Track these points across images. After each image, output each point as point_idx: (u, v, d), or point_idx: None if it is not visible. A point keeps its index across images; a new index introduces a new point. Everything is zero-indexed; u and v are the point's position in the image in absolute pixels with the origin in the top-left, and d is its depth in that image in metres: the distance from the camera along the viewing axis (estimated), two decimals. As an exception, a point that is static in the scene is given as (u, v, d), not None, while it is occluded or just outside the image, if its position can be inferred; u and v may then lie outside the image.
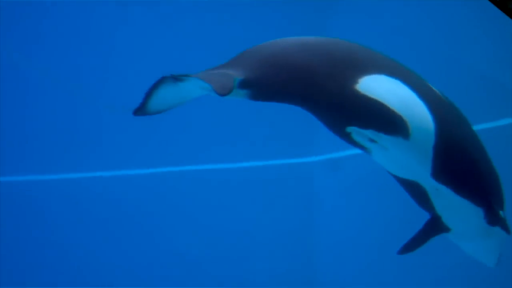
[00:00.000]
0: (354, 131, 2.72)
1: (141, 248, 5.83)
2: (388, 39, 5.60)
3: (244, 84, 2.63)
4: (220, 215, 6.16)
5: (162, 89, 2.70)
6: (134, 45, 5.72)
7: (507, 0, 1.58)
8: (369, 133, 2.70)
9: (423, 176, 2.88)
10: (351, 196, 6.48)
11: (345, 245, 6.37)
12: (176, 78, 2.61)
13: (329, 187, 6.62)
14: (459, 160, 2.96)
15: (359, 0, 5.99)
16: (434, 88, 2.91)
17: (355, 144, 2.81)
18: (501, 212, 3.15)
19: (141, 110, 2.80)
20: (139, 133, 5.74)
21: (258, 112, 6.12)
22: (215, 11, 5.81)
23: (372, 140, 2.73)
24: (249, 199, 6.35)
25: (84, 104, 5.58)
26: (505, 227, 3.16)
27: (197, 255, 6.01)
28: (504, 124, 5.90)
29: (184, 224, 6.03)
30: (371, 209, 6.30)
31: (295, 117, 6.35)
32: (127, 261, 5.78)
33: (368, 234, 6.28)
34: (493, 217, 3.12)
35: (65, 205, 5.70)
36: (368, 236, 6.29)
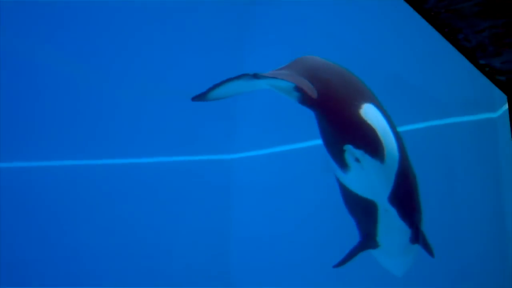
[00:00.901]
0: (348, 149, 3.02)
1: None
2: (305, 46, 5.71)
3: (298, 89, 2.96)
4: (136, 210, 6.07)
5: (236, 83, 2.93)
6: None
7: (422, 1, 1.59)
8: (359, 153, 3.03)
9: (381, 197, 3.24)
10: (268, 194, 6.54)
11: (261, 242, 6.42)
12: (257, 77, 2.88)
13: (247, 185, 6.65)
14: (407, 186, 3.37)
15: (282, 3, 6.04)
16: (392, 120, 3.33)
17: (342, 161, 3.11)
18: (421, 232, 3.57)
19: (201, 97, 3.13)
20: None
21: (179, 110, 6.07)
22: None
23: (357, 160, 3.05)
24: (166, 194, 6.29)
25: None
26: (427, 247, 3.56)
27: (114, 249, 5.90)
28: (420, 128, 6.17)
29: (101, 219, 5.91)
30: (287, 207, 6.38)
31: (215, 115, 6.37)
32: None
33: (283, 232, 6.36)
34: (417, 237, 3.52)
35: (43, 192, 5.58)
36: (283, 234, 6.37)
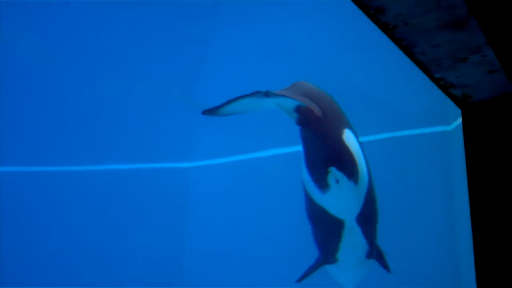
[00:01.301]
0: (332, 171, 3.24)
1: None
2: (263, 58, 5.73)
3: (300, 110, 3.19)
4: (91, 217, 6.02)
5: (248, 100, 3.08)
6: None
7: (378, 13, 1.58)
8: (339, 175, 3.25)
9: (351, 216, 3.49)
10: (224, 203, 6.52)
11: (216, 251, 6.40)
12: (269, 95, 3.02)
13: (203, 193, 6.62)
14: (372, 206, 3.61)
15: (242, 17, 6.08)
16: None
17: (323, 181, 3.30)
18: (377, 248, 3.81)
19: (212, 112, 3.19)
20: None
21: (138, 119, 6.01)
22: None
23: (337, 181, 3.27)
24: (122, 202, 6.23)
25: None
26: (383, 262, 3.82)
27: (68, 255, 5.86)
28: (383, 138, 6.27)
29: (57, 225, 5.84)
30: (243, 217, 6.38)
31: (173, 123, 6.34)
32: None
33: (239, 241, 6.35)
34: (373, 252, 3.75)
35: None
36: (239, 244, 6.36)
